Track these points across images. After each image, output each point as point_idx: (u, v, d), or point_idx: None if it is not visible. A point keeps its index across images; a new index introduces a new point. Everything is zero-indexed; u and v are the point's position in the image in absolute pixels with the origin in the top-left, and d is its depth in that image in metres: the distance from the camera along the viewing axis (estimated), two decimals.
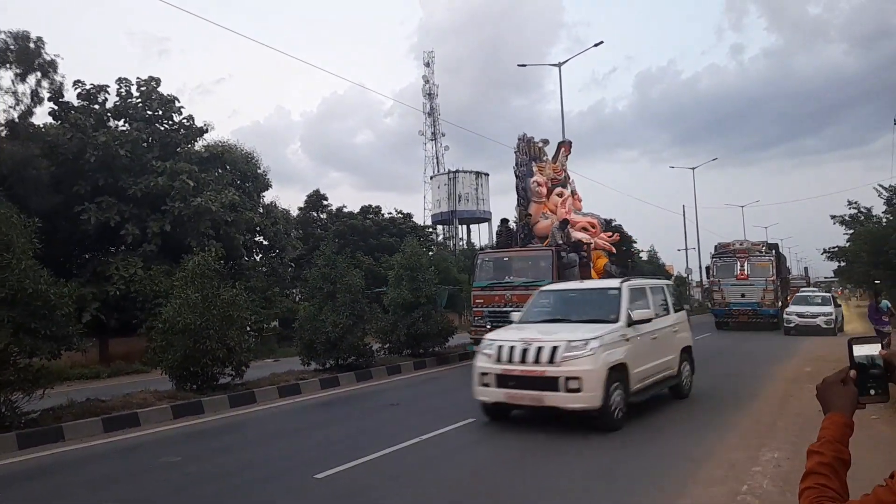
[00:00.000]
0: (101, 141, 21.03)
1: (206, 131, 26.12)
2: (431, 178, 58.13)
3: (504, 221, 16.86)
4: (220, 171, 25.17)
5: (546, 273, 12.25)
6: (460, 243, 52.53)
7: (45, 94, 21.66)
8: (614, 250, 17.80)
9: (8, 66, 20.75)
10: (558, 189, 16.98)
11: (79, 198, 20.74)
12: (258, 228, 26.49)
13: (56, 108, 22.61)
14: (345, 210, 39.95)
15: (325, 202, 40.79)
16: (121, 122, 23.81)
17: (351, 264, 13.88)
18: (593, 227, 16.51)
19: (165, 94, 24.74)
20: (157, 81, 24.72)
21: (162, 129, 24.42)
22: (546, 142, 17.83)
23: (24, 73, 21.07)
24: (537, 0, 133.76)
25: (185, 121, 25.32)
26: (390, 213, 41.08)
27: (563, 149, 18.55)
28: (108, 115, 23.53)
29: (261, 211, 27.23)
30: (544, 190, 15.95)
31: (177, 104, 25.11)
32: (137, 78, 24.31)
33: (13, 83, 20.91)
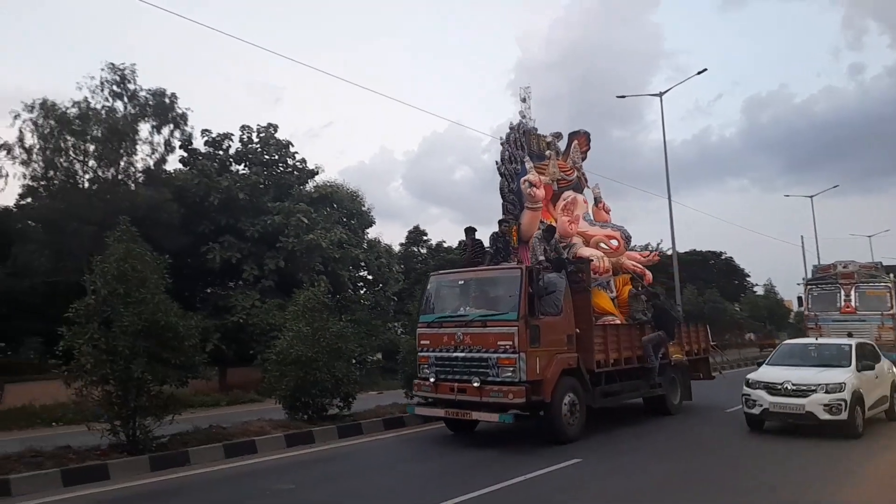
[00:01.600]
0: (224, 185, 23.03)
1: (317, 173, 27.84)
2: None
3: (470, 231, 11.85)
4: (328, 209, 26.50)
5: (510, 302, 9.01)
6: None
7: (177, 143, 24.27)
8: (648, 274, 13.79)
9: (147, 119, 23.57)
10: (567, 193, 13.40)
11: (203, 237, 22.61)
12: (362, 263, 27.54)
13: (185, 155, 25.33)
14: (444, 245, 40.76)
15: (424, 237, 41.76)
16: (241, 167, 26.00)
17: None
18: (612, 240, 12.81)
19: (281, 140, 26.82)
20: (275, 128, 26.93)
21: (277, 172, 26.36)
22: (559, 136, 14.15)
23: (160, 125, 23.77)
24: (636, 31, 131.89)
25: (297, 164, 27.16)
26: (488, 248, 41.24)
27: (575, 141, 14.37)
28: (231, 160, 25.88)
29: (365, 246, 28.51)
30: (541, 193, 12.01)
31: (291, 149, 27.14)
32: (257, 125, 26.73)
33: (150, 134, 23.56)
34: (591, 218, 13.54)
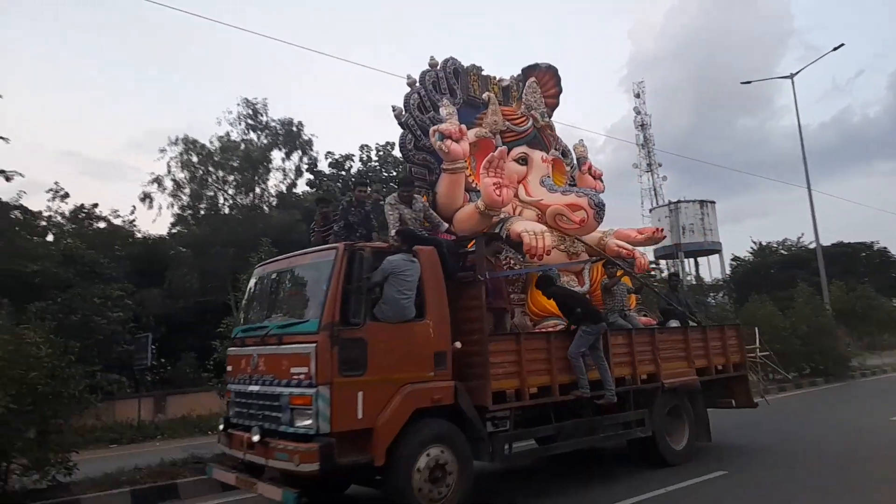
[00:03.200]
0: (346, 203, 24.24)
1: None
2: (650, 210, 54.36)
3: (322, 202, 8.69)
4: None
5: (315, 304, 5.67)
6: (688, 278, 47.84)
7: (304, 167, 27.70)
8: (642, 257, 9.72)
9: (278, 147, 26.94)
10: (518, 149, 9.39)
11: None
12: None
13: (312, 177, 28.06)
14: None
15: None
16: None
17: None
18: (576, 210, 8.51)
19: (399, 157, 27.60)
20: (392, 146, 27.87)
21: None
22: (522, 77, 10.18)
23: (290, 152, 27.10)
24: (759, 11, 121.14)
25: None
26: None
27: (532, 79, 10.05)
28: (352, 179, 27.13)
29: None
30: (460, 147, 7.92)
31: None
32: (376, 144, 29.49)
33: (282, 161, 26.88)
34: (551, 183, 9.49)
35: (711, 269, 52.22)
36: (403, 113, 8.81)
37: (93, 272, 18.92)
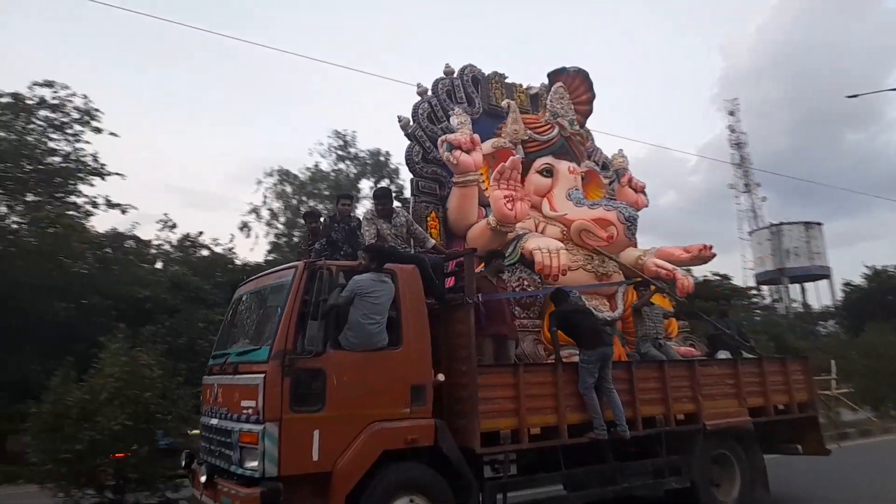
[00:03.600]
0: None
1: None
2: (750, 233, 52.10)
3: (310, 217, 8.00)
4: None
5: (270, 330, 5.04)
6: (793, 305, 45.76)
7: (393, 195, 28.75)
8: (684, 279, 8.48)
9: (367, 177, 28.20)
10: (541, 160, 8.55)
11: None
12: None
13: (399, 204, 28.25)
14: None
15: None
16: None
17: None
18: (607, 226, 7.73)
19: None
20: None
21: None
22: (549, 81, 9.31)
23: (378, 180, 27.67)
24: (863, 21, 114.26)
25: None
26: (704, 276, 36.58)
27: (559, 85, 9.07)
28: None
29: None
30: (471, 159, 7.31)
31: None
32: None
33: (370, 189, 26.46)
34: (579, 196, 8.53)
35: (820, 296, 48.75)
36: (411, 123, 8.21)
37: (197, 297, 19.47)
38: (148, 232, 36.63)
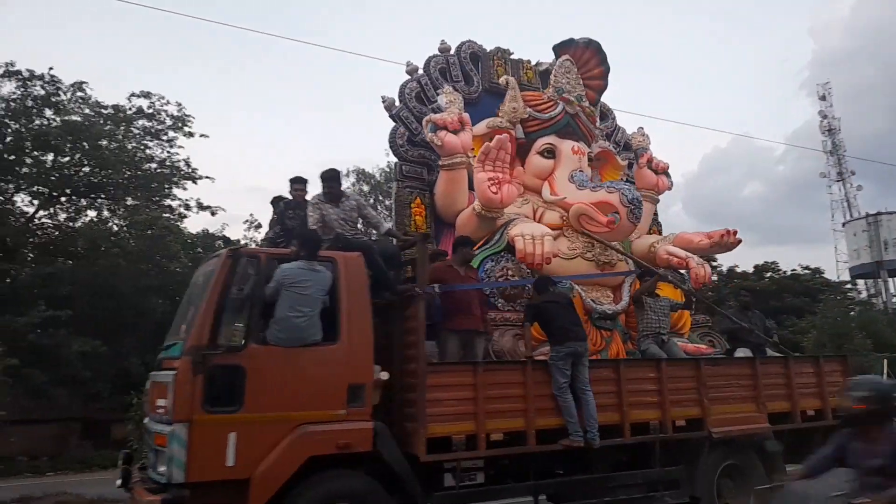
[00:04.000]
0: None
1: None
2: (843, 224, 49.11)
3: (277, 202, 6.83)
4: None
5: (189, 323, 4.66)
6: (893, 299, 43.03)
7: None
8: (701, 268, 7.53)
9: None
10: (543, 140, 7.84)
11: None
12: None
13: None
14: (737, 270, 34.43)
15: (713, 263, 35.71)
16: None
17: None
18: (609, 210, 6.91)
19: None
20: None
21: None
22: (555, 55, 8.51)
23: None
24: None
25: None
26: (793, 270, 34.89)
27: (565, 58, 8.22)
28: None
29: None
30: (458, 140, 6.81)
31: None
32: None
33: None
34: (582, 177, 7.73)
35: None
36: (396, 104, 7.70)
37: None
38: (236, 232, 37.67)
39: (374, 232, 6.12)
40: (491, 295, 6.64)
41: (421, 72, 8.01)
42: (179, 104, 18.26)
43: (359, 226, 5.84)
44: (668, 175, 8.93)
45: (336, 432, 4.66)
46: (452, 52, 8.31)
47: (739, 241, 7.79)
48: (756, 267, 34.16)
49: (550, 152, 7.95)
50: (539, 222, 7.45)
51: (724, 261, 35.59)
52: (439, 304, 5.59)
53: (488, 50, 8.58)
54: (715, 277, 34.02)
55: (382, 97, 7.66)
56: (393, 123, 7.64)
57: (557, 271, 6.98)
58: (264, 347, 4.60)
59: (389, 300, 5.31)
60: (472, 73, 8.33)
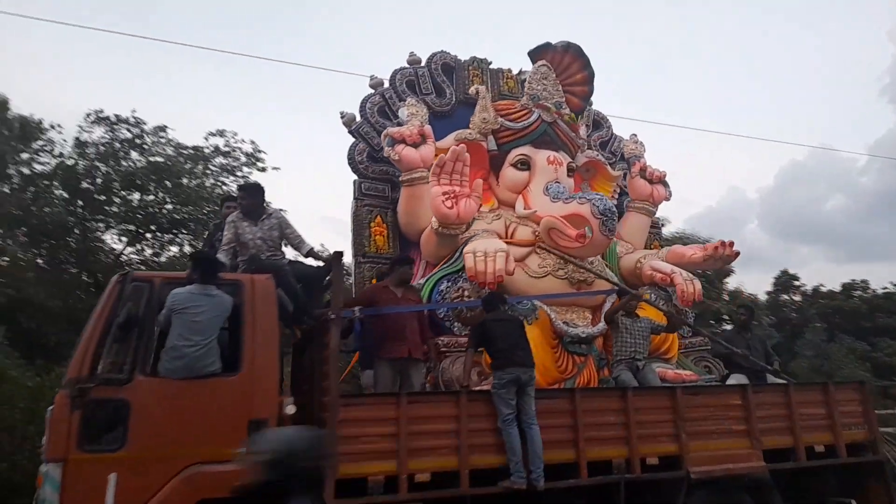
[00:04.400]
0: None
1: (663, 225, 27.42)
2: None
3: (228, 199, 6.69)
4: None
5: None
6: None
7: None
8: (687, 285, 6.68)
9: None
10: (517, 152, 7.37)
11: None
12: (724, 316, 24.07)
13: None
14: (822, 289, 32.90)
15: (795, 282, 34.03)
16: None
17: (849, 353, 10.14)
18: (578, 223, 6.41)
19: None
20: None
21: None
22: (532, 61, 7.91)
23: None
24: None
25: None
26: (884, 288, 32.90)
27: (542, 63, 7.73)
28: None
29: (726, 298, 25.14)
30: (418, 154, 6.55)
31: None
32: None
33: None
34: (558, 188, 7.12)
35: None
36: (357, 119, 7.36)
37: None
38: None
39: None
40: (445, 318, 6.13)
41: (386, 85, 7.68)
42: (253, 142, 18.84)
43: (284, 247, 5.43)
44: (665, 184, 8.23)
45: (231, 473, 4.20)
46: (423, 63, 7.96)
47: (737, 254, 6.97)
48: (844, 286, 32.37)
49: (525, 164, 7.42)
50: (511, 238, 6.96)
51: (808, 280, 33.68)
52: (367, 328, 5.11)
53: (463, 60, 8.19)
54: (798, 297, 32.21)
55: (341, 113, 7.34)
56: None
57: (527, 291, 6.46)
58: (153, 379, 4.24)
59: (308, 325, 4.88)
60: (445, 84, 7.95)
